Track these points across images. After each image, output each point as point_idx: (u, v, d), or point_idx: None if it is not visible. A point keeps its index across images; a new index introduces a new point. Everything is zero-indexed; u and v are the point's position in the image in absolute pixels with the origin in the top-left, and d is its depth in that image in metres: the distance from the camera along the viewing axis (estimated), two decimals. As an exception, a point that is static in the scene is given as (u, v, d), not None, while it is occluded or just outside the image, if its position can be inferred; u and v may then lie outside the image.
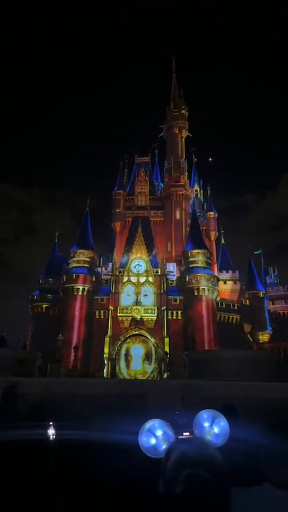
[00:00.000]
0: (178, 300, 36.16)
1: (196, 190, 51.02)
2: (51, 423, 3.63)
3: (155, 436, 1.53)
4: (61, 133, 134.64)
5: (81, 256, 37.83)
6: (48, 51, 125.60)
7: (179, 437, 1.54)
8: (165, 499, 1.16)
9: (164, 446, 1.44)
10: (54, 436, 3.19)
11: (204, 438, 1.32)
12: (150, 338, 34.58)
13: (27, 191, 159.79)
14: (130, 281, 36.62)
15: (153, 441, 1.52)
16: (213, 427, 1.50)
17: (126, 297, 36.01)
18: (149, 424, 1.56)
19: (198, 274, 36.13)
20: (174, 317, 35.57)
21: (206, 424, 1.49)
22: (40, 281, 42.61)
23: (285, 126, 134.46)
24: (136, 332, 34.97)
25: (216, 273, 41.07)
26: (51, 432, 3.31)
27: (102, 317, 35.79)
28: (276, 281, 54.39)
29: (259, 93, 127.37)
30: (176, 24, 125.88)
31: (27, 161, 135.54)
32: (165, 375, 30.85)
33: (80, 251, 38.08)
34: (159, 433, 1.53)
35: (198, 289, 35.56)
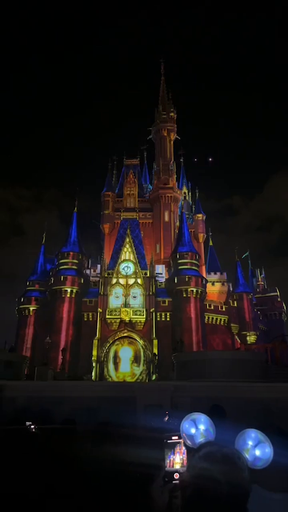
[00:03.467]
0: (166, 302, 36.23)
1: (185, 193, 51.34)
2: (29, 423, 3.59)
3: (197, 428, 1.54)
4: (50, 133, 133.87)
5: (69, 258, 37.60)
6: (38, 52, 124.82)
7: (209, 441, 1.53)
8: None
9: (200, 439, 1.45)
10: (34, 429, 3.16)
11: (241, 452, 1.31)
12: (139, 340, 34.54)
13: (15, 191, 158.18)
14: (119, 283, 36.55)
15: (193, 430, 1.53)
16: (255, 448, 1.47)
17: (115, 299, 35.91)
18: (195, 415, 1.57)
19: (187, 276, 36.30)
20: (163, 319, 35.63)
21: (250, 443, 1.47)
22: (28, 282, 42.12)
23: (271, 128, 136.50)
24: (125, 334, 34.88)
25: (204, 275, 41.33)
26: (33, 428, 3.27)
27: (90, 319, 35.60)
28: (263, 283, 55.08)
29: (246, 96, 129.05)
30: (165, 27, 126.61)
31: (15, 161, 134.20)
32: (154, 377, 30.83)
33: (68, 252, 37.85)
34: (201, 427, 1.54)
35: (186, 291, 35.71)
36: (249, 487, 1.14)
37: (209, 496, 1.08)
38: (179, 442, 2.09)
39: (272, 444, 1.58)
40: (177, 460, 2.15)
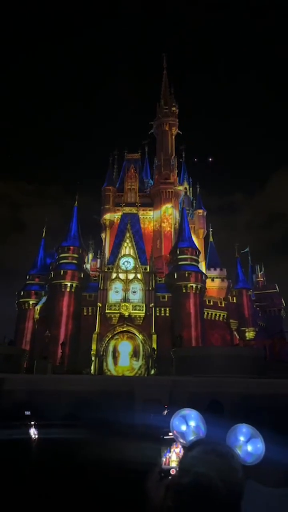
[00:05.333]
0: (166, 297, 36.29)
1: (186, 188, 51.17)
2: (32, 423, 3.58)
3: (187, 424, 1.52)
4: (51, 128, 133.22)
5: (69, 252, 37.60)
6: (39, 47, 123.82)
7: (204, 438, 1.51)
8: (169, 486, 1.15)
9: (192, 437, 1.43)
10: (36, 436, 3.15)
11: (234, 450, 1.28)
12: (138, 335, 34.65)
13: (16, 186, 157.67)
14: (119, 278, 36.58)
15: (183, 428, 1.51)
16: (247, 444, 1.46)
17: (115, 294, 35.97)
18: (185, 411, 1.55)
19: (187, 272, 36.31)
20: (162, 314, 35.70)
21: (242, 438, 1.44)
22: (28, 277, 42.20)
23: (274, 124, 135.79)
24: (124, 329, 34.98)
25: (204, 271, 41.35)
26: (32, 432, 3.26)
27: (90, 313, 35.68)
28: (263, 279, 55.13)
29: (249, 91, 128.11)
30: (167, 21, 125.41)
31: (16, 156, 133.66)
32: (153, 372, 30.99)
33: (68, 247, 37.84)
34: (192, 423, 1.52)
35: (186, 287, 35.75)
36: (244, 486, 1.13)
37: (206, 500, 1.05)
38: (175, 439, 2.09)
39: (269, 440, 1.58)
40: (173, 457, 2.15)
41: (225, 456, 1.16)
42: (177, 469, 1.16)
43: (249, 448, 1.42)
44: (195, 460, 1.14)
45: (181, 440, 1.48)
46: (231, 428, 1.49)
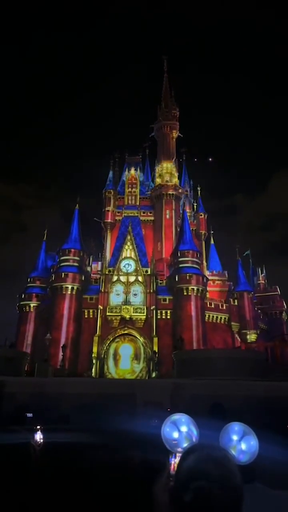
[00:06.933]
0: (167, 300, 36.24)
1: (187, 191, 51.19)
2: (38, 427, 3.54)
3: (179, 431, 1.47)
4: (52, 130, 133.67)
5: (70, 255, 37.61)
6: (41, 49, 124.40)
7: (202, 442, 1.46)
8: (170, 503, 1.11)
9: (185, 444, 1.38)
10: (41, 441, 3.10)
11: (228, 451, 1.23)
12: (139, 338, 34.58)
13: (17, 188, 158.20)
14: (120, 280, 36.56)
15: (175, 435, 1.46)
16: (241, 442, 1.42)
17: (116, 296, 35.94)
18: (175, 417, 1.50)
19: (188, 274, 36.26)
20: (163, 317, 35.63)
21: (235, 437, 1.40)
22: (29, 279, 42.19)
23: (275, 126, 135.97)
24: (125, 332, 34.93)
25: (205, 273, 41.29)
26: (38, 437, 3.21)
27: (91, 316, 35.64)
28: (264, 281, 54.98)
29: (250, 93, 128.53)
30: (169, 24, 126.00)
31: (17, 158, 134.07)
32: (154, 375, 30.90)
33: (69, 249, 37.86)
34: (183, 429, 1.47)
35: (187, 289, 35.69)
36: (242, 489, 1.10)
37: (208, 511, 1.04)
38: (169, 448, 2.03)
39: (272, 442, 1.56)
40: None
41: (222, 461, 1.13)
42: (174, 479, 1.11)
43: (243, 446, 1.39)
44: (191, 471, 1.11)
45: (175, 448, 1.42)
46: (223, 428, 1.45)
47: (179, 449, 1.40)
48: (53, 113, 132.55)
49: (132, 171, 48.12)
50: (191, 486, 1.07)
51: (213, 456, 1.14)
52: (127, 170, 48.89)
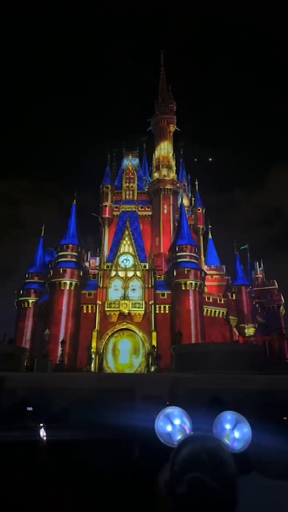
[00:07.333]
0: (165, 295, 36.33)
1: (184, 185, 51.09)
2: (41, 424, 3.55)
3: (172, 424, 1.49)
4: (49, 125, 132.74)
5: (68, 250, 37.57)
6: (36, 44, 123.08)
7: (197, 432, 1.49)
8: (166, 496, 1.12)
9: (179, 437, 1.41)
10: (45, 438, 3.12)
11: (222, 441, 1.26)
12: (138, 332, 34.71)
13: (14, 183, 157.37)
14: (118, 275, 36.59)
15: (169, 428, 1.48)
16: (234, 431, 1.45)
17: (114, 291, 35.99)
18: (168, 410, 1.52)
19: (186, 269, 36.33)
20: (162, 312, 35.75)
21: (228, 426, 1.42)
22: (27, 275, 42.19)
23: (273, 120, 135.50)
24: (124, 327, 35.03)
25: (203, 268, 41.37)
26: (42, 433, 3.22)
27: (89, 311, 35.71)
28: (262, 275, 55.17)
29: (247, 87, 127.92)
30: (165, 17, 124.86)
31: (14, 153, 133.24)
32: (153, 369, 31.07)
33: (67, 245, 37.81)
34: (177, 422, 1.49)
35: (185, 284, 35.78)
36: (237, 478, 1.11)
37: (203, 503, 1.05)
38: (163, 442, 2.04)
39: (270, 433, 1.58)
40: None
41: (215, 451, 1.14)
42: (169, 472, 1.13)
43: (236, 434, 1.41)
44: (185, 464, 1.12)
45: (169, 442, 1.44)
46: (216, 418, 1.48)
47: (174, 442, 1.42)
48: (50, 108, 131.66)
49: (130, 166, 47.96)
50: (186, 478, 1.07)
51: (206, 447, 1.15)
52: (124, 165, 48.72)
